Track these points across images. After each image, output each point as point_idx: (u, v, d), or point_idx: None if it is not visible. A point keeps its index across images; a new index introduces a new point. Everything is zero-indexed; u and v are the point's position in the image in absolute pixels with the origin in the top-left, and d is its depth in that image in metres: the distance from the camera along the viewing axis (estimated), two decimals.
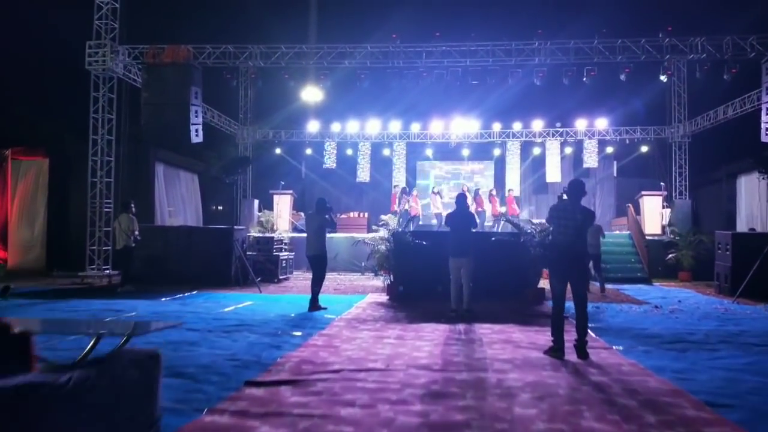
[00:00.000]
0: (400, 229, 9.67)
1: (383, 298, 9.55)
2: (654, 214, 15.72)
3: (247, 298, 9.47)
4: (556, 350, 5.13)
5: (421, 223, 18.91)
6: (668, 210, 16.09)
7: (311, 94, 19.18)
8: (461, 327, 6.68)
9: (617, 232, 15.74)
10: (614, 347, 5.70)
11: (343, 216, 21.51)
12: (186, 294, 9.95)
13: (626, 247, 14.42)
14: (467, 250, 7.23)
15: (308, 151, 21.11)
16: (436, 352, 5.28)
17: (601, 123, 19.78)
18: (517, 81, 13.63)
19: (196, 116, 12.10)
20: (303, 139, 20.86)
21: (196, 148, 18.97)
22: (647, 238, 14.29)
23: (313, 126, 20.54)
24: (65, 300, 9.13)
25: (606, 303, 9.42)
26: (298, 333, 6.09)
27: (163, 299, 9.24)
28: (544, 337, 6.11)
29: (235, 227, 11.64)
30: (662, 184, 17.39)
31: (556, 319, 5.22)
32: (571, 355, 5.08)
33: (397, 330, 6.47)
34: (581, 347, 5.05)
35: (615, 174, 21.55)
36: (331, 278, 13.39)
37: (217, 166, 11.96)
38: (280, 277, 12.55)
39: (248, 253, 12.70)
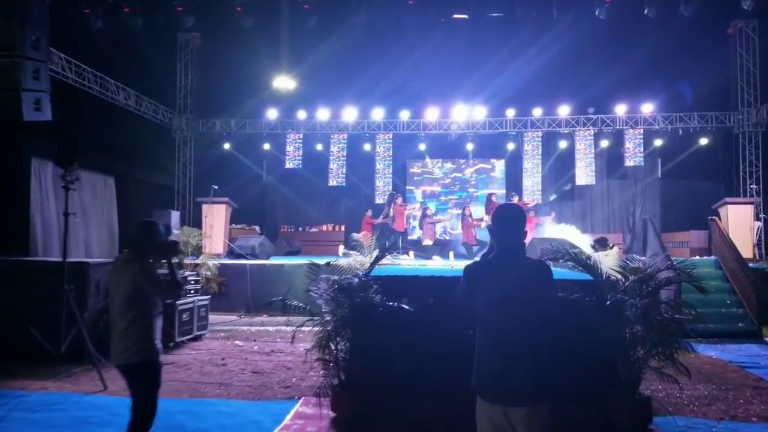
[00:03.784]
0: (359, 276, 4.83)
1: (324, 417, 4.74)
2: (742, 230, 11.01)
3: (42, 421, 4.66)
4: None
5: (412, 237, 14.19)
6: (758, 224, 11.37)
7: (282, 82, 14.61)
8: None
9: (699, 258, 10.92)
10: None
11: (313, 230, 16.85)
12: None
13: (715, 281, 9.66)
14: (533, 385, 2.41)
15: (266, 147, 16.36)
16: None
17: (647, 108, 15.13)
18: (573, 22, 8.75)
19: (37, 78, 7.32)
20: (259, 131, 16.12)
21: (112, 142, 14.27)
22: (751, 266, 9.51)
23: (271, 114, 15.83)
24: None
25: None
26: None
27: None
28: None
29: (90, 261, 6.84)
30: (753, 187, 12.66)
31: None
32: None
33: None
34: None
35: (659, 175, 16.80)
36: (270, 331, 8.69)
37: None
38: (180, 340, 7.72)
39: None
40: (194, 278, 8.50)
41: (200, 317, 8.27)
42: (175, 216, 12.08)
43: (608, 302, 4.50)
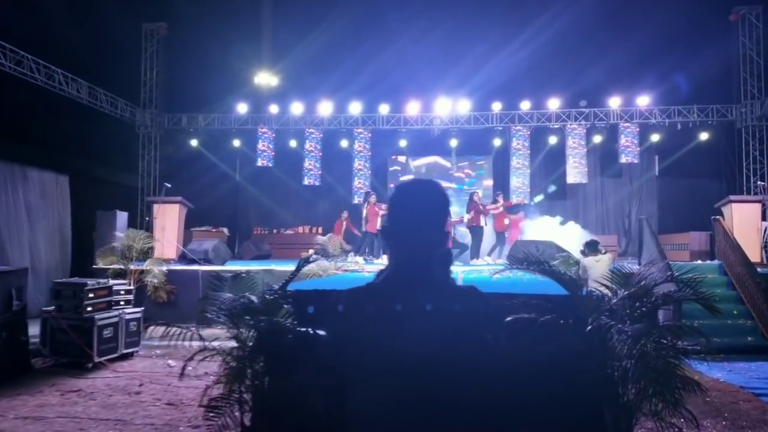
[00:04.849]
0: (267, 292, 3.77)
1: None
2: (749, 231, 9.95)
3: None
4: None
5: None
6: (766, 225, 10.33)
7: (264, 78, 13.58)
8: None
9: (701, 262, 9.86)
10: None
11: (288, 232, 15.83)
12: None
13: (719, 288, 8.62)
14: None
15: (236, 143, 15.31)
16: None
17: (643, 101, 14.09)
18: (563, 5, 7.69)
19: None
20: (229, 126, 15.04)
21: (66, 138, 13.17)
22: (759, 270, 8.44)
23: (241, 108, 14.77)
24: None
25: None
26: None
27: None
28: None
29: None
30: (761, 183, 11.61)
31: None
32: None
33: None
34: None
35: (657, 172, 15.79)
36: (214, 347, 7.55)
37: None
38: (99, 360, 6.63)
39: (46, 310, 6.89)
40: (124, 288, 7.40)
41: (129, 332, 7.19)
42: (121, 217, 10.95)
43: (589, 327, 3.43)
